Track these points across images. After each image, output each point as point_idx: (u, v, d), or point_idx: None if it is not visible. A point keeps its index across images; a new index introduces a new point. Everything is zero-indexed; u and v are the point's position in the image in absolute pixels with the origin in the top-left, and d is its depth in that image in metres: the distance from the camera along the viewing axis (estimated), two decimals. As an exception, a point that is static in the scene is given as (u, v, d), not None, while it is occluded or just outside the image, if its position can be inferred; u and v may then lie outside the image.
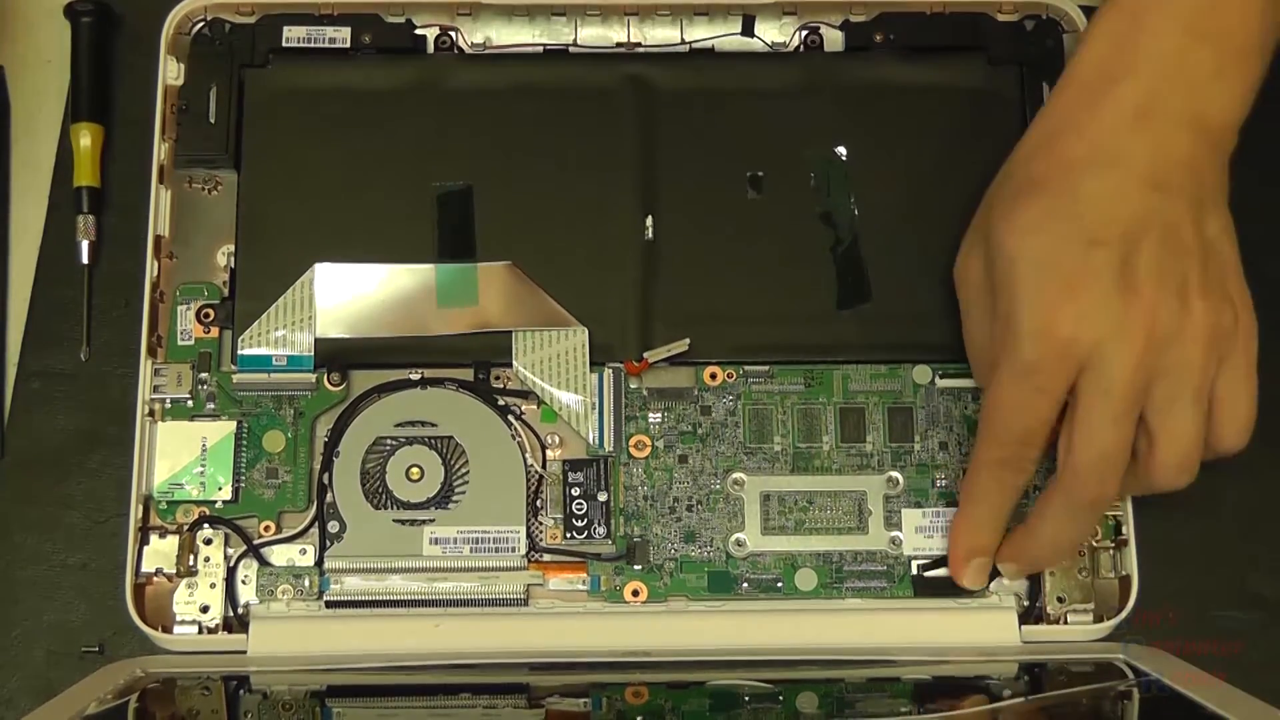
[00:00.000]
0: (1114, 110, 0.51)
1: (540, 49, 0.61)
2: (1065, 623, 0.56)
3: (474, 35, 0.61)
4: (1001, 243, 0.51)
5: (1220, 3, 0.51)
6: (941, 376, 0.58)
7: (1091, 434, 0.50)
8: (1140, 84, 0.51)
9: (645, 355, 0.57)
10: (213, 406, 0.57)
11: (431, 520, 0.56)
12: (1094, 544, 0.57)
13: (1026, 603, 0.56)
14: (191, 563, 0.56)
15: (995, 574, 0.55)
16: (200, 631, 0.55)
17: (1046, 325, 0.50)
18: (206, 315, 0.58)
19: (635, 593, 0.56)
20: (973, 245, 0.54)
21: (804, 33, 0.62)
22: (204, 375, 0.58)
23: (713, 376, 0.58)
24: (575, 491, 0.57)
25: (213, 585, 0.56)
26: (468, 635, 0.55)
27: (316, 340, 0.57)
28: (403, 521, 0.56)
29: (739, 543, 0.57)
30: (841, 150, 0.60)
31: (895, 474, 0.57)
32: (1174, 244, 0.50)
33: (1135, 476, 0.52)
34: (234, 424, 0.57)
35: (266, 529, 0.56)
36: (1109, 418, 0.50)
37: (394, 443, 0.57)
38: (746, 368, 0.58)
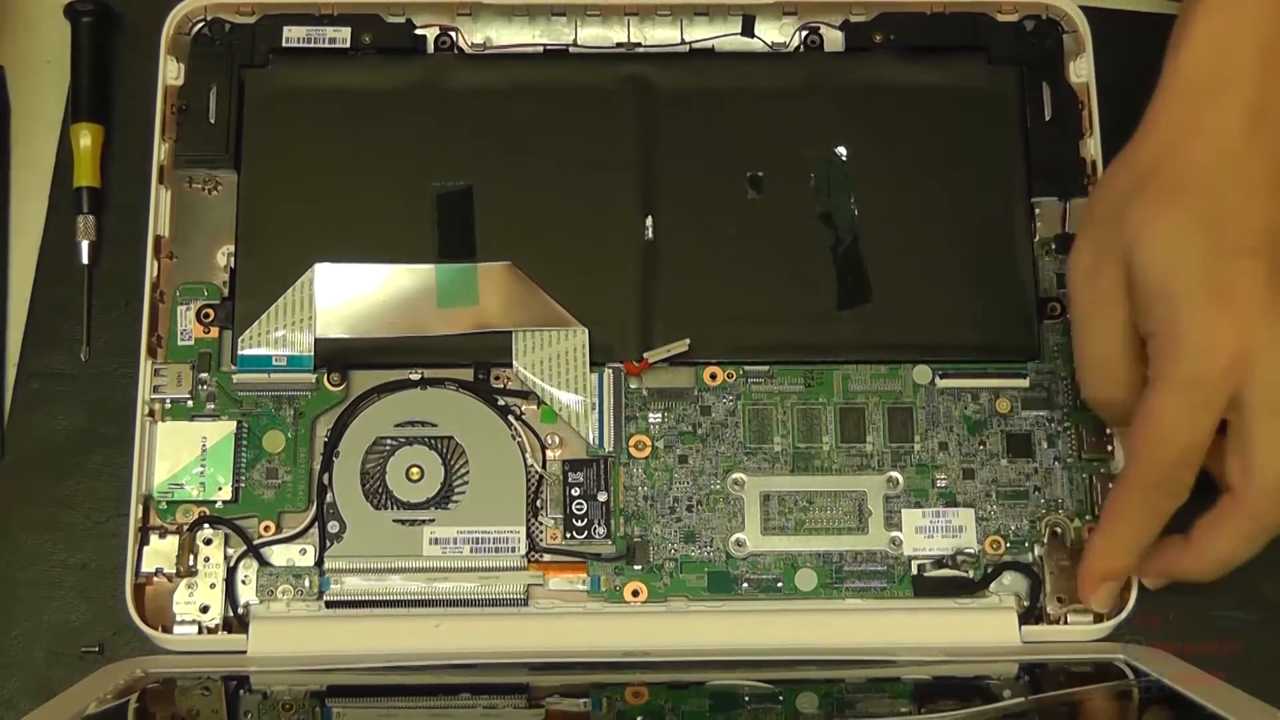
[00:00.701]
0: (1231, 112, 0.50)
1: (540, 49, 0.61)
2: (1065, 623, 0.56)
3: (474, 35, 0.61)
4: (1151, 247, 0.50)
5: None
6: (941, 377, 0.58)
7: (1269, 455, 0.49)
8: (1249, 84, 0.50)
9: (645, 355, 0.57)
10: (213, 406, 0.57)
11: (431, 520, 0.56)
12: (1094, 544, 0.57)
13: (1026, 603, 0.56)
14: (191, 563, 0.56)
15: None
16: (200, 631, 0.55)
17: (1211, 337, 0.49)
18: (206, 315, 0.58)
19: (635, 593, 0.56)
20: (1103, 251, 0.52)
21: (804, 33, 0.62)
22: (204, 375, 0.58)
23: (713, 376, 0.58)
24: (575, 492, 0.57)
25: (213, 585, 0.56)
26: (468, 635, 0.55)
27: (316, 340, 0.57)
28: (403, 521, 0.56)
29: (739, 543, 0.57)
30: (841, 150, 0.60)
31: (895, 474, 0.57)
32: None
33: (1243, 518, 0.51)
34: (234, 424, 0.57)
35: (266, 529, 0.56)
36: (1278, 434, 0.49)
37: (394, 443, 0.57)
38: (746, 368, 0.58)
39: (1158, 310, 0.50)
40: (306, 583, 0.56)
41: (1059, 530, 0.57)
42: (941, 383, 0.58)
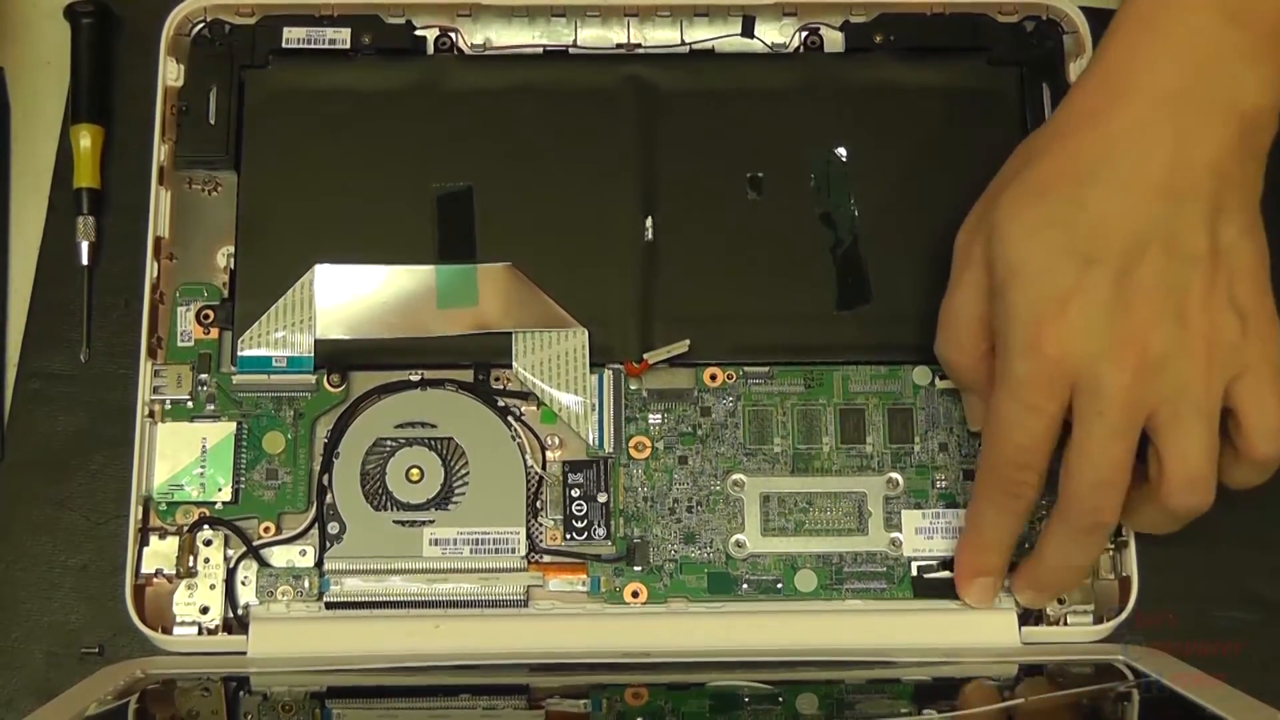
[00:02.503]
0: (1138, 102, 0.50)
1: (540, 50, 0.61)
2: (1065, 624, 0.56)
3: (474, 36, 0.61)
4: (1003, 242, 0.51)
5: None
6: (941, 378, 0.58)
7: (1088, 456, 0.50)
8: (1169, 70, 0.50)
9: (645, 356, 0.57)
10: (213, 407, 0.57)
11: (431, 521, 0.56)
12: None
13: (1026, 604, 0.56)
14: (191, 564, 0.56)
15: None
16: (200, 633, 0.55)
17: (1034, 342, 0.49)
18: (206, 316, 0.58)
19: (635, 594, 0.56)
20: (976, 228, 0.53)
21: (804, 34, 0.62)
22: (204, 376, 0.58)
23: (713, 377, 0.58)
24: (575, 493, 0.57)
25: (212, 586, 0.56)
26: (468, 636, 0.55)
27: (316, 341, 0.57)
28: (402, 522, 0.56)
29: (739, 544, 0.57)
30: (841, 150, 0.60)
31: (895, 475, 0.57)
32: (1177, 255, 0.49)
33: (1152, 504, 0.51)
34: (234, 425, 0.57)
35: (266, 530, 0.56)
36: (1104, 439, 0.49)
37: (394, 444, 0.57)
38: (746, 369, 0.58)
39: (999, 310, 0.50)
40: (306, 584, 0.56)
41: (1059, 531, 0.57)
42: (941, 384, 0.58)
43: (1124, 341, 0.49)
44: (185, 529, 0.56)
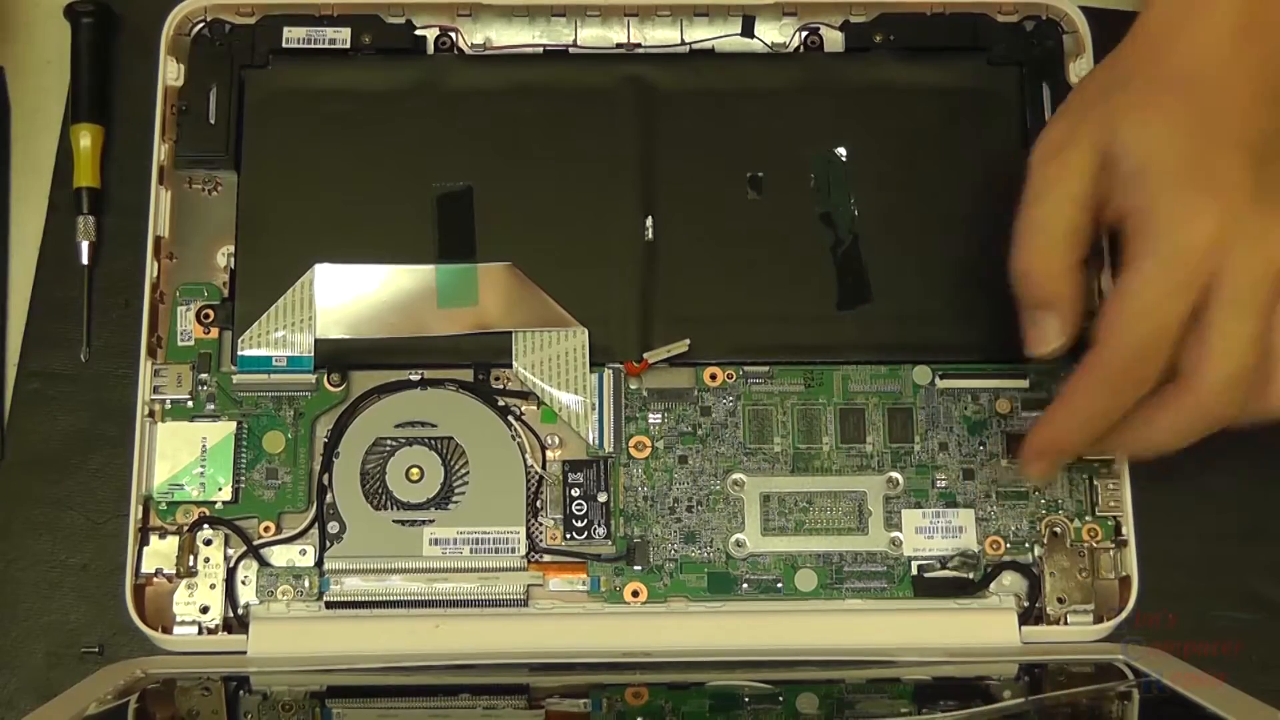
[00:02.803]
0: (1218, 23, 0.50)
1: (540, 50, 0.61)
2: (1065, 623, 0.56)
3: (474, 36, 0.61)
4: (1136, 134, 0.49)
5: None
6: (941, 377, 0.58)
7: (1229, 347, 0.48)
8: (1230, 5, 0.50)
9: (645, 356, 0.57)
10: (213, 407, 0.57)
11: (431, 521, 0.56)
12: (1094, 544, 0.57)
13: (1026, 603, 0.56)
14: (191, 563, 0.56)
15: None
16: (200, 632, 0.55)
17: (1194, 217, 0.48)
18: (206, 316, 0.58)
19: (635, 593, 0.56)
20: (1077, 133, 0.51)
21: (804, 33, 0.62)
22: (204, 376, 0.58)
23: (712, 377, 0.58)
24: (575, 492, 0.57)
25: (213, 586, 0.56)
26: (468, 636, 0.55)
27: (316, 341, 0.57)
28: (402, 522, 0.56)
29: (739, 543, 0.57)
30: (841, 150, 0.60)
31: (895, 475, 0.58)
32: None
33: (1200, 408, 0.50)
34: (234, 425, 0.57)
35: (266, 529, 0.56)
36: (1249, 329, 0.48)
37: (394, 443, 0.57)
38: (746, 368, 0.58)
39: (1139, 187, 0.49)
40: (306, 583, 0.56)
41: (1059, 531, 0.57)
42: (941, 383, 0.58)
43: (1267, 236, 0.48)
44: (185, 528, 0.56)
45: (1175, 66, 0.50)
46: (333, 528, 0.56)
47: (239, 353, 0.57)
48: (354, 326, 0.57)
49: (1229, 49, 0.50)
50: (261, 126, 0.59)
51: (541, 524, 0.57)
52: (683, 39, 0.62)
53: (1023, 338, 0.53)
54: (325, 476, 0.57)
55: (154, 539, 0.56)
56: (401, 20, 0.61)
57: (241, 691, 0.53)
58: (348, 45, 0.60)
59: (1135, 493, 0.57)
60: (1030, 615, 0.56)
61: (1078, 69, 0.60)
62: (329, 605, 0.56)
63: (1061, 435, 0.52)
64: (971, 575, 0.57)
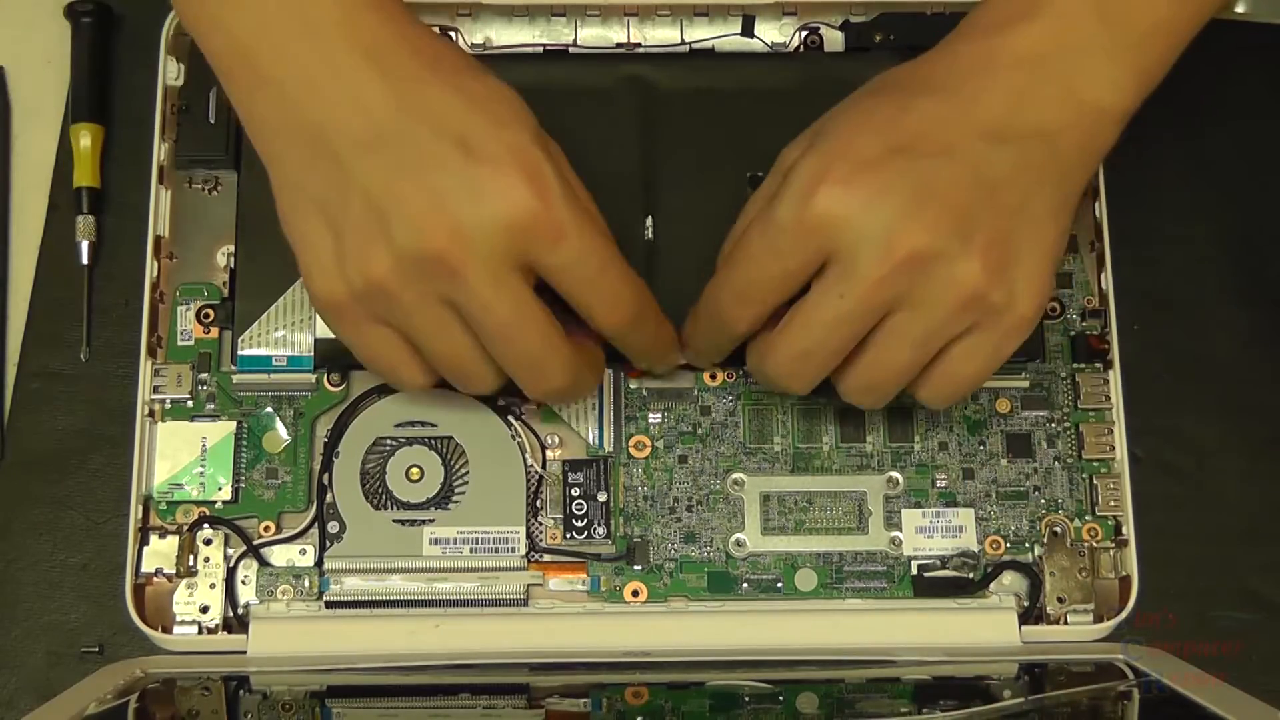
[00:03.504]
0: (991, 52, 0.49)
1: (540, 49, 0.61)
2: (1065, 623, 0.56)
3: (474, 35, 0.61)
4: (823, 126, 0.50)
5: None
6: (941, 377, 0.58)
7: (808, 328, 0.49)
8: (1032, 36, 0.49)
9: (645, 355, 0.57)
10: (213, 407, 0.57)
11: (431, 520, 0.56)
12: (1094, 544, 0.57)
13: (1026, 603, 0.56)
14: (191, 563, 0.56)
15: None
16: (200, 632, 0.55)
17: (809, 192, 0.47)
18: (206, 315, 0.58)
19: (635, 593, 0.56)
20: (802, 138, 0.52)
21: (804, 33, 0.62)
22: (204, 375, 0.58)
23: (713, 377, 0.58)
24: (575, 492, 0.57)
25: (212, 585, 0.56)
26: (468, 635, 0.55)
27: (316, 340, 0.57)
28: (402, 522, 0.56)
29: (739, 543, 0.57)
30: (841, 150, 0.59)
31: (895, 474, 0.58)
32: (985, 193, 0.47)
33: (788, 359, 0.50)
34: (234, 424, 0.57)
35: (266, 529, 0.56)
36: (832, 320, 0.48)
37: (394, 443, 0.57)
38: (746, 368, 0.58)
39: (793, 163, 0.49)
40: (306, 583, 0.56)
41: (1059, 530, 0.57)
42: (941, 383, 0.58)
43: (903, 234, 0.47)
44: (185, 528, 0.56)
45: (914, 76, 0.51)
46: (333, 527, 0.56)
47: (239, 353, 0.57)
48: (354, 326, 0.57)
49: (991, 79, 0.49)
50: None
51: (541, 524, 0.57)
52: (683, 39, 0.62)
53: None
54: (325, 476, 0.57)
55: (154, 539, 0.56)
56: (401, 20, 0.61)
57: (241, 691, 0.53)
58: (348, 45, 0.60)
59: (1135, 493, 0.57)
60: (1030, 615, 0.56)
61: (1078, 69, 0.60)
62: (329, 605, 0.56)
63: (679, 339, 0.55)
64: (971, 575, 0.57)
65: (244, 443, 0.57)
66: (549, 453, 0.57)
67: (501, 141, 0.47)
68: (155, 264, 0.58)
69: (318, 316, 0.57)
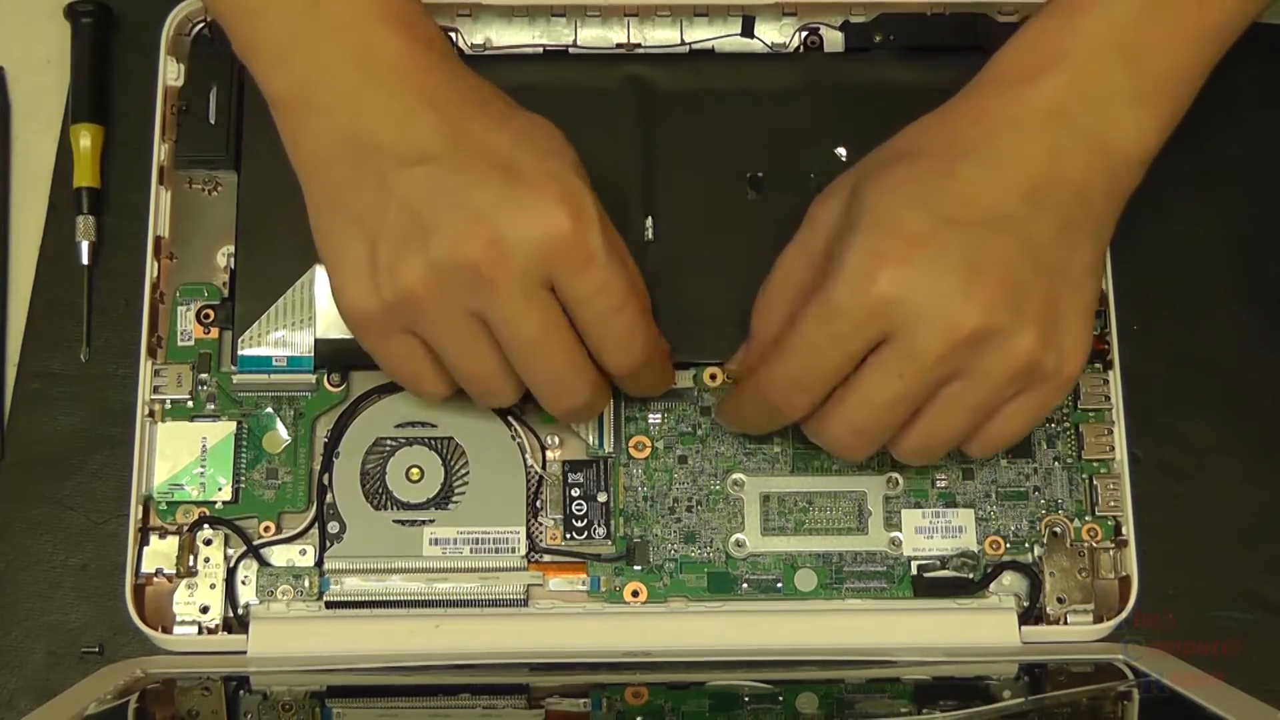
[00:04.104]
0: (1024, 107, 0.50)
1: (540, 50, 0.61)
2: (1065, 623, 0.56)
3: (474, 36, 0.61)
4: (864, 194, 0.50)
5: (1152, 30, 0.50)
6: (941, 377, 0.58)
7: (866, 407, 0.49)
8: (1058, 87, 0.50)
9: (645, 356, 0.57)
10: (213, 407, 0.57)
11: (431, 521, 0.56)
12: (1094, 544, 0.57)
13: (1026, 603, 0.56)
14: (191, 563, 0.56)
15: None
16: (200, 632, 0.55)
17: (869, 273, 0.47)
18: (206, 316, 0.58)
19: (635, 593, 0.56)
20: (834, 193, 0.53)
21: (804, 33, 0.62)
22: (204, 376, 0.58)
23: (713, 377, 0.58)
24: (575, 492, 0.57)
25: (212, 586, 0.56)
26: (468, 635, 0.55)
27: (316, 341, 0.57)
28: (403, 522, 0.56)
29: (739, 543, 0.57)
30: (841, 151, 0.59)
31: (895, 474, 0.58)
32: (1032, 260, 0.48)
33: (839, 429, 0.51)
34: (234, 424, 0.57)
35: (266, 529, 0.56)
36: (890, 399, 0.49)
37: (394, 443, 0.57)
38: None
39: (840, 242, 0.49)
40: (306, 583, 0.56)
41: (1059, 531, 0.57)
42: (941, 383, 0.58)
43: (961, 311, 0.47)
44: (185, 528, 0.56)
45: (951, 138, 0.51)
46: (333, 528, 0.56)
47: (239, 353, 0.57)
48: (354, 326, 0.57)
49: (1022, 138, 0.50)
50: (261, 126, 0.59)
51: (541, 524, 0.57)
52: (683, 39, 0.62)
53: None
54: (325, 476, 0.57)
55: (154, 539, 0.56)
56: (401, 20, 0.61)
57: (241, 691, 0.53)
58: (348, 45, 0.60)
59: (1135, 493, 0.57)
60: (1030, 615, 0.56)
61: (1078, 69, 0.60)
62: (329, 605, 0.56)
63: (726, 420, 0.56)
64: (971, 575, 0.57)
65: (244, 443, 0.57)
66: (549, 453, 0.57)
67: (544, 169, 0.48)
68: (155, 264, 0.58)
69: (318, 316, 0.57)
